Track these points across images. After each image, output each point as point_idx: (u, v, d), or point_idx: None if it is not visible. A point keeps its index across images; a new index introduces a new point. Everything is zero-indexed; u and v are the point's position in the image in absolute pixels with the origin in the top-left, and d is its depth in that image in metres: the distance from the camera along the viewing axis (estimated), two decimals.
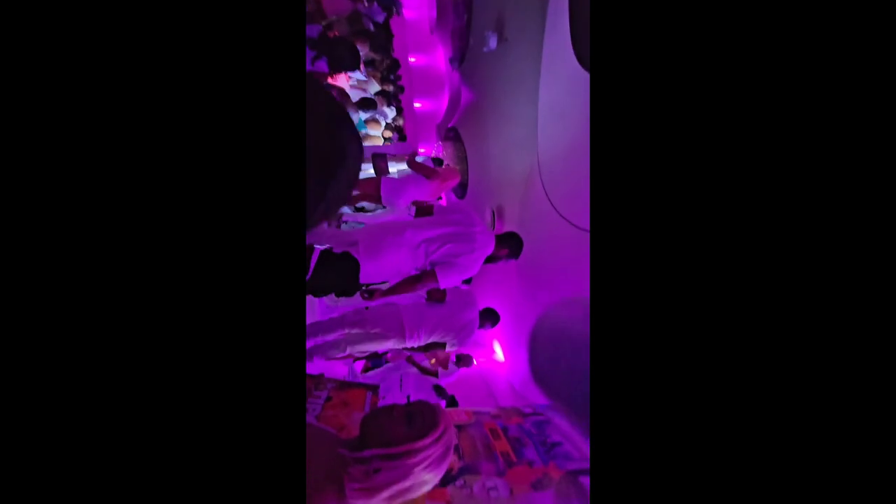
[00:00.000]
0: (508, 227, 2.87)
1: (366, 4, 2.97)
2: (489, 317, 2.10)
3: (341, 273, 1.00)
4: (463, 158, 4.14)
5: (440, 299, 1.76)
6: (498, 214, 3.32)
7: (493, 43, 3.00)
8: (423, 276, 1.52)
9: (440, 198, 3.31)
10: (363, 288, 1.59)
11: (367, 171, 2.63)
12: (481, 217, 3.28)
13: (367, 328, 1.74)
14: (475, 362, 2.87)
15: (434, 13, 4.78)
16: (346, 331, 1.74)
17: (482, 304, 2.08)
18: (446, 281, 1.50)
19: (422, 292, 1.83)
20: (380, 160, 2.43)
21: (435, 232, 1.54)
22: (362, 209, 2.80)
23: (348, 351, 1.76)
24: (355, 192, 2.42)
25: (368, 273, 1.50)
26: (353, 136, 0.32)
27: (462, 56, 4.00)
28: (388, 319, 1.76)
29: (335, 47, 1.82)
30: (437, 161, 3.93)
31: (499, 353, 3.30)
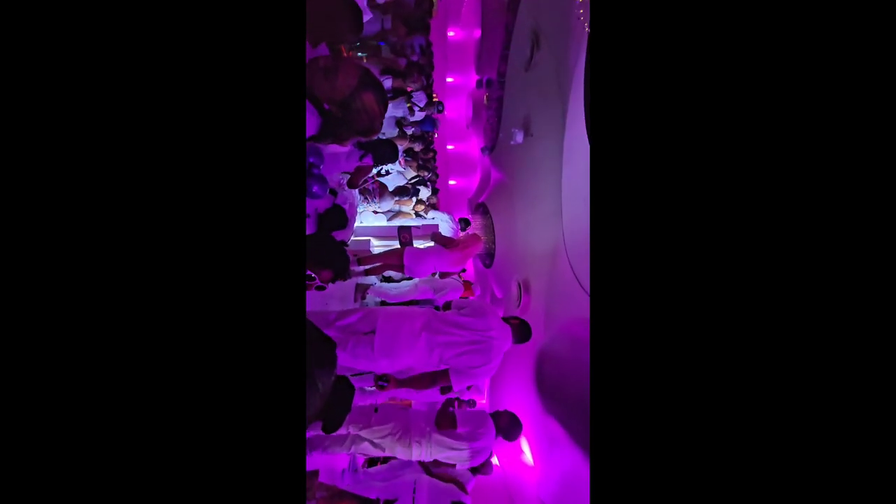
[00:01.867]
0: (535, 303, 2.71)
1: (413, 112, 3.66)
2: (509, 429, 1.84)
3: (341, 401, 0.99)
4: (490, 230, 4.31)
5: (452, 426, 1.64)
6: (524, 288, 3.22)
7: (519, 138, 3.40)
8: (438, 377, 1.53)
9: (464, 269, 3.35)
10: (378, 377, 1.54)
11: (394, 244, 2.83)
12: (506, 292, 3.18)
13: (373, 432, 1.63)
14: (494, 468, 2.40)
15: (470, 113, 5.71)
16: (351, 431, 1.63)
17: (505, 396, 1.86)
18: (460, 385, 1.51)
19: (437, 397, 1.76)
20: (405, 232, 2.62)
21: (450, 338, 1.53)
22: (389, 279, 2.91)
23: (352, 450, 1.63)
24: (379, 263, 2.57)
25: (381, 367, 1.51)
26: (338, 383, 0.40)
27: (493, 146, 4.56)
28: (396, 427, 1.64)
29: (379, 147, 2.20)
30: (464, 222, 4.12)
31: (527, 454, 2.74)
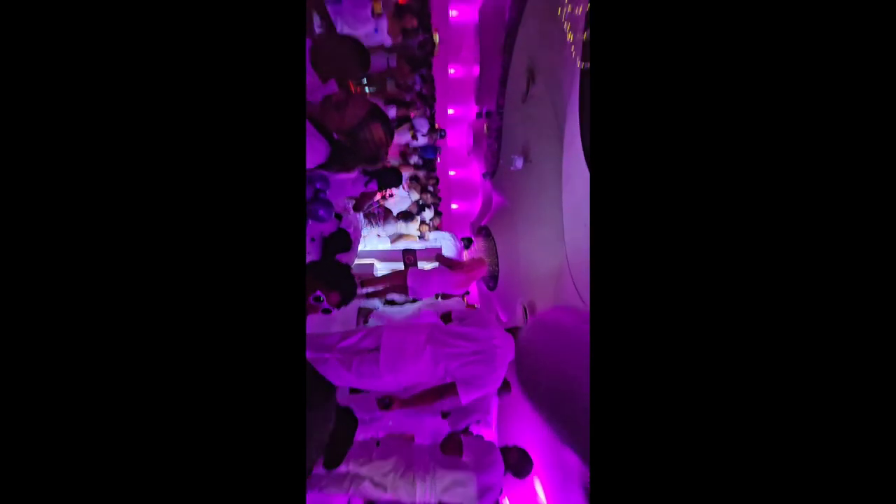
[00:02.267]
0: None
1: (416, 142, 3.84)
2: (519, 466, 1.72)
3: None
4: (493, 252, 4.32)
5: (458, 452, 1.55)
6: (529, 310, 3.15)
7: (519, 164, 3.52)
8: (445, 391, 1.47)
9: (468, 292, 3.31)
10: (381, 398, 1.48)
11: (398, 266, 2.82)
12: (511, 315, 3.11)
13: (375, 467, 1.54)
14: None
15: (471, 141, 5.97)
16: (351, 469, 1.54)
17: (514, 427, 1.76)
18: (468, 397, 1.43)
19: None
20: (409, 254, 2.62)
21: (455, 349, 1.50)
22: (392, 302, 2.87)
23: (350, 491, 1.52)
24: (383, 286, 2.55)
25: (387, 384, 1.47)
26: (341, 416, 0.40)
27: (494, 171, 4.71)
28: (398, 462, 1.55)
29: (384, 173, 2.27)
30: (467, 241, 4.13)
31: (541, 496, 2.50)
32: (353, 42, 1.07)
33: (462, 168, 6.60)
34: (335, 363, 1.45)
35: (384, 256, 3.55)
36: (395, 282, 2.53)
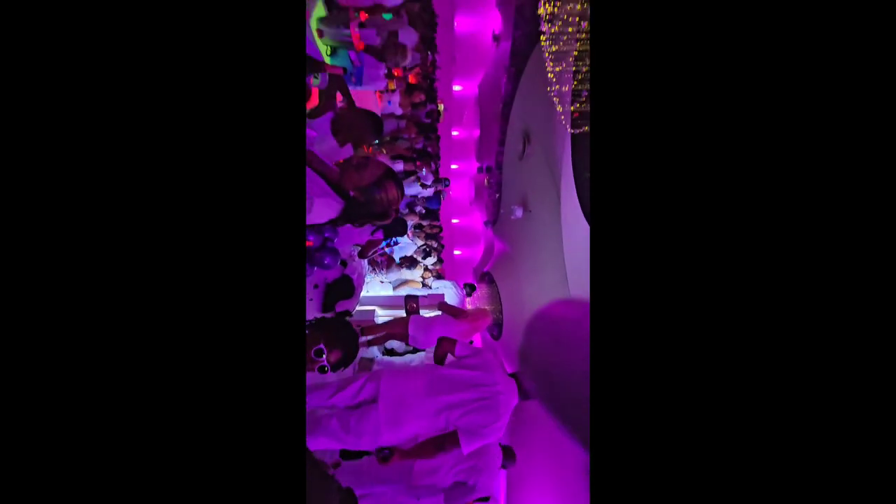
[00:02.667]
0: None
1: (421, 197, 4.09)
2: None
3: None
4: (497, 299, 4.25)
5: None
6: None
7: (519, 213, 3.69)
8: (446, 441, 1.36)
9: (471, 342, 3.17)
10: (380, 450, 1.35)
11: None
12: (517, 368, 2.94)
13: None
14: None
15: (472, 193, 6.36)
16: None
17: (527, 475, 1.54)
18: (469, 447, 1.33)
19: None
20: (412, 301, 2.56)
21: (456, 397, 1.40)
22: (392, 352, 2.75)
23: None
24: (383, 333, 2.47)
25: (387, 439, 1.36)
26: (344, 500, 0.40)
27: (495, 220, 4.92)
28: None
29: (390, 223, 2.38)
30: (470, 287, 4.06)
31: None
32: (371, 115, 1.24)
33: (464, 216, 6.91)
34: (333, 424, 1.34)
35: (386, 303, 3.51)
36: (396, 329, 2.46)
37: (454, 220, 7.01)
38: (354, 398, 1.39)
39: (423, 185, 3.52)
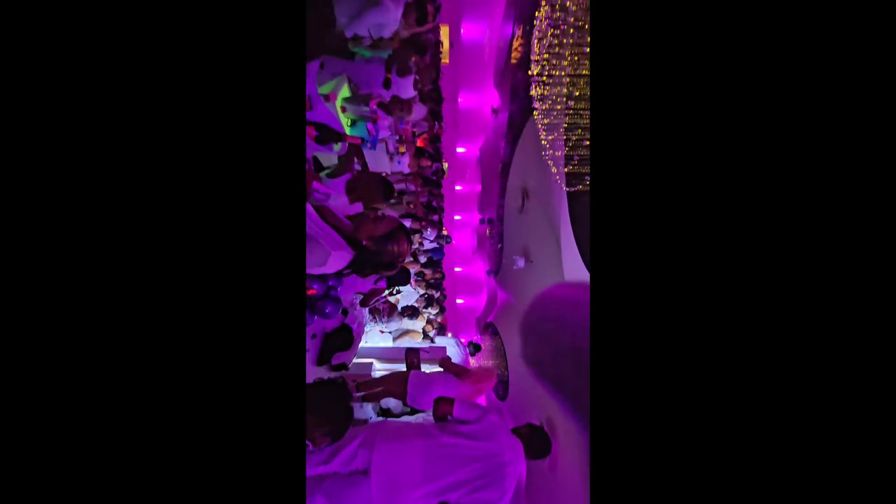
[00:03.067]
0: (566, 449, 2.19)
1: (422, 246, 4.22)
2: None
3: None
4: (501, 353, 4.03)
5: None
6: (549, 429, 2.66)
7: (521, 263, 3.74)
8: None
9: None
10: None
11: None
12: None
13: None
14: None
15: (475, 242, 6.54)
16: None
17: None
18: None
19: None
20: (412, 355, 2.40)
21: (457, 476, 1.24)
22: (388, 412, 2.52)
23: None
24: (380, 388, 2.28)
25: None
26: None
27: (497, 269, 4.96)
28: None
29: (394, 275, 2.40)
30: (474, 347, 3.84)
31: None
32: (383, 180, 1.37)
33: (467, 265, 6.98)
34: (318, 501, 1.17)
35: (385, 355, 3.33)
36: (394, 386, 2.28)
37: (457, 269, 7.07)
38: (346, 466, 1.23)
39: (422, 244, 3.64)
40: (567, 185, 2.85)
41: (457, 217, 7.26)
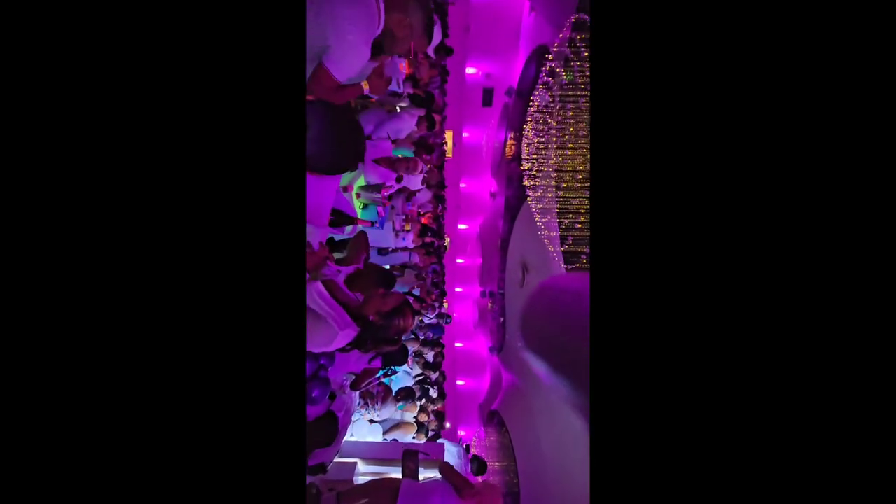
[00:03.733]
0: None
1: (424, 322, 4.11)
2: None
3: None
4: (510, 455, 3.42)
5: None
6: None
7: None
8: None
9: None
10: None
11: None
12: None
13: None
14: None
15: (476, 315, 6.35)
16: None
17: None
18: None
19: None
20: (410, 460, 2.02)
21: None
22: None
23: None
24: (364, 501, 1.86)
25: None
26: None
27: (501, 346, 4.67)
28: None
29: (391, 353, 2.27)
30: (479, 466, 3.22)
31: None
32: (383, 272, 1.44)
33: (469, 340, 6.61)
34: None
35: (372, 453, 2.81)
36: (382, 499, 1.87)
37: (458, 344, 6.67)
38: None
39: (421, 322, 3.56)
40: (565, 264, 2.94)
41: (458, 289, 7.27)
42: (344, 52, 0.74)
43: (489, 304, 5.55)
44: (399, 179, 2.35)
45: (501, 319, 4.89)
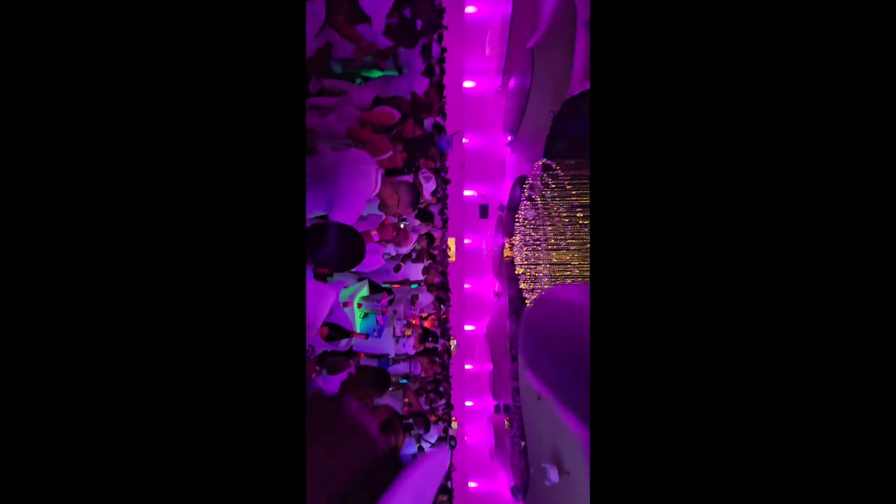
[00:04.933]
0: None
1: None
2: None
3: None
4: None
5: None
6: None
7: (554, 476, 2.82)
8: None
9: None
10: None
11: None
12: None
13: None
14: None
15: (492, 439, 5.26)
16: None
17: None
18: None
19: None
20: None
21: None
22: None
23: None
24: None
25: None
26: None
27: (525, 488, 3.67)
28: None
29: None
30: None
31: None
32: (377, 373, 1.37)
33: (484, 477, 5.24)
34: None
35: None
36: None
37: (471, 484, 5.24)
38: None
39: (421, 449, 2.95)
40: None
41: (468, 403, 6.34)
42: (346, 207, 1.01)
43: (506, 423, 4.70)
44: (397, 269, 2.46)
45: (522, 444, 4.03)
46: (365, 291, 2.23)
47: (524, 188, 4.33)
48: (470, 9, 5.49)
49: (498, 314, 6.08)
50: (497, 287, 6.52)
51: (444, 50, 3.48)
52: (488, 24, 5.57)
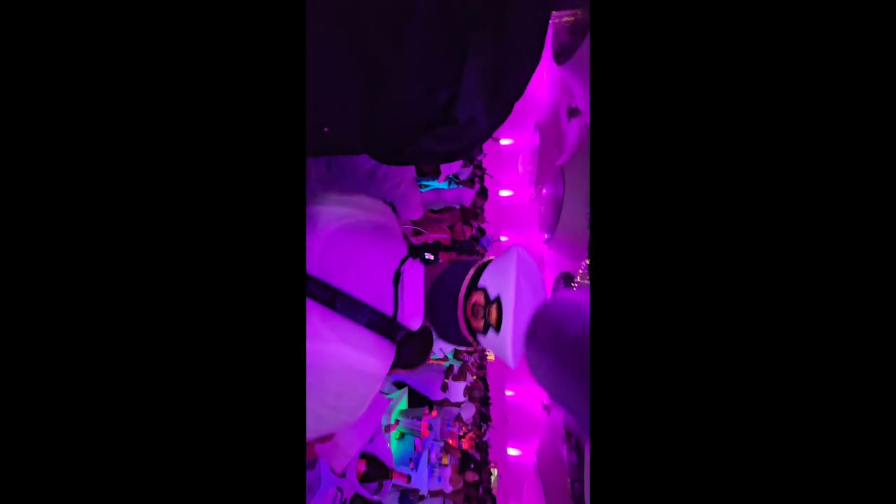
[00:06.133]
0: None
1: None
2: None
3: None
4: None
5: None
6: None
7: None
8: None
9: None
10: None
11: None
12: None
13: None
14: None
15: None
16: None
17: None
18: None
19: None
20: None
21: None
22: None
23: None
24: None
25: None
26: None
27: None
28: None
29: None
30: None
31: None
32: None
33: None
34: None
35: None
36: None
37: None
38: None
39: None
40: None
41: None
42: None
43: None
44: (444, 388, 2.20)
45: None
46: (405, 403, 2.00)
47: (572, 286, 4.23)
48: (505, 141, 6.77)
49: (549, 437, 4.91)
50: (545, 399, 5.53)
51: (483, 170, 4.31)
52: (519, 150, 6.74)
